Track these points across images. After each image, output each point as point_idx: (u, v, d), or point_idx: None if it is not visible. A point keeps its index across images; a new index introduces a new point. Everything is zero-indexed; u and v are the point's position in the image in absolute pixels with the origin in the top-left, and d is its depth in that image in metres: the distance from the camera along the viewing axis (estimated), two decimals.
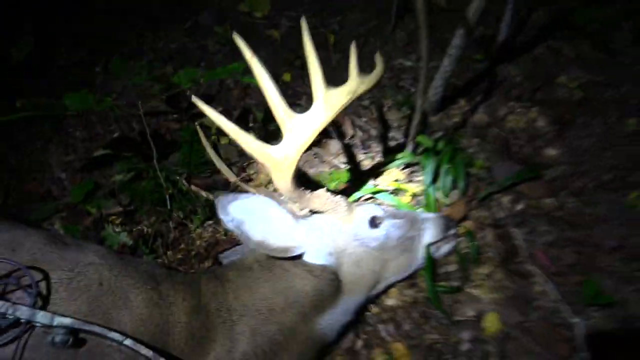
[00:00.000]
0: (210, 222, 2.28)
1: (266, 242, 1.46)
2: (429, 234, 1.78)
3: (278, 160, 1.37)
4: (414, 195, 2.22)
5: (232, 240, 2.11)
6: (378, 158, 2.48)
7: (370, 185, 2.26)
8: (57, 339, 1.12)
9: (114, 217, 2.29)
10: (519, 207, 2.12)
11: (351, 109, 2.74)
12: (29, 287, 1.19)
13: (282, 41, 3.31)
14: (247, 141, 1.36)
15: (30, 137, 2.86)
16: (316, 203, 1.57)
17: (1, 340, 1.12)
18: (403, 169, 2.32)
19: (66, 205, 2.38)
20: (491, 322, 1.77)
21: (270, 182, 2.24)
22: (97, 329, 1.16)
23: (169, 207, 2.25)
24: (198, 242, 2.19)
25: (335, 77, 2.75)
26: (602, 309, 1.74)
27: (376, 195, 2.20)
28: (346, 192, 2.19)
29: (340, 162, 2.53)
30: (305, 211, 1.59)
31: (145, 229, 2.21)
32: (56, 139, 2.86)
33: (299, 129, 1.33)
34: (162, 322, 1.35)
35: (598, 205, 2.08)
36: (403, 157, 2.29)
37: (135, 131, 2.71)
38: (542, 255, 1.93)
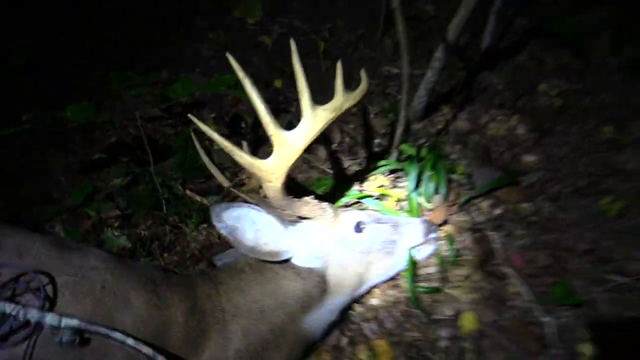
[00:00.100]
0: (205, 225, 2.35)
1: (257, 247, 1.56)
2: (411, 237, 1.87)
3: (268, 173, 1.46)
4: (398, 200, 2.28)
5: (225, 243, 2.16)
6: (364, 164, 2.55)
7: (356, 190, 2.33)
8: (65, 339, 1.20)
9: (112, 220, 2.36)
10: (497, 211, 2.19)
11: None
12: (37, 291, 1.26)
13: (274, 47, 3.37)
14: (240, 155, 1.44)
15: (31, 143, 2.88)
16: (304, 210, 1.66)
17: (13, 340, 1.19)
18: (388, 175, 2.38)
19: (66, 208, 2.45)
20: (468, 321, 1.84)
21: (261, 186, 2.33)
22: (101, 329, 1.24)
23: (164, 211, 2.32)
24: (193, 245, 2.26)
25: (324, 83, 2.85)
26: (571, 309, 1.81)
27: (362, 200, 2.27)
28: (333, 196, 2.28)
29: (328, 167, 2.60)
30: (294, 217, 1.67)
31: (142, 232, 2.29)
32: (56, 144, 2.88)
33: (288, 144, 1.42)
34: (160, 322, 1.42)
35: (572, 210, 2.15)
36: (388, 164, 2.36)
37: (131, 136, 2.76)
38: (517, 257, 2.01)
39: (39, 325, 1.22)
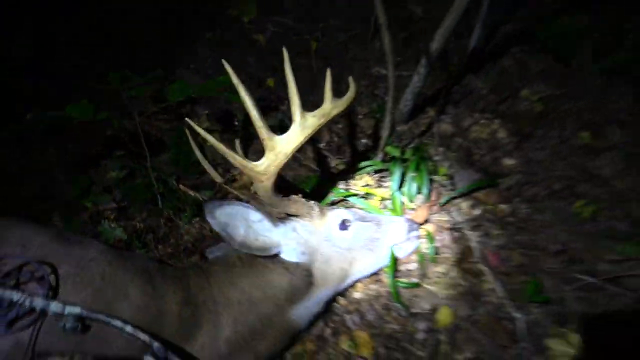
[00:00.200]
0: (197, 219, 2.41)
1: (247, 243, 1.65)
2: (394, 235, 1.96)
3: (260, 174, 1.57)
4: (383, 200, 2.35)
5: (217, 236, 2.19)
6: (351, 163, 2.62)
7: (343, 189, 2.40)
8: (68, 325, 1.28)
9: (109, 212, 2.43)
10: (476, 212, 2.27)
11: None
12: (40, 280, 1.34)
13: (268, 46, 3.41)
14: (233, 157, 1.54)
15: (31, 143, 2.86)
16: (292, 208, 1.76)
17: (19, 326, 1.27)
18: (373, 174, 2.45)
19: (64, 201, 2.50)
20: (444, 315, 1.92)
21: (252, 183, 2.41)
22: (101, 317, 1.33)
23: (160, 205, 2.39)
24: (186, 238, 2.34)
25: (315, 82, 2.92)
26: (541, 306, 1.89)
27: (348, 199, 2.35)
28: (320, 194, 2.35)
29: (317, 166, 2.67)
30: (283, 215, 1.75)
31: (138, 225, 2.36)
32: (55, 142, 2.87)
33: (278, 148, 1.52)
34: (156, 311, 1.51)
35: (547, 212, 2.22)
36: (373, 164, 2.44)
37: (127, 131, 2.76)
38: (493, 256, 2.08)
39: (43, 313, 1.29)
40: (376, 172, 2.48)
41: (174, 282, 1.64)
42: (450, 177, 2.43)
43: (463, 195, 2.33)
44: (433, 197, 2.33)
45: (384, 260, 1.97)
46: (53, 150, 2.83)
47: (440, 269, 2.09)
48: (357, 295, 2.08)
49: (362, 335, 1.95)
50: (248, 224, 1.67)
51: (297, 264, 1.75)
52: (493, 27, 3.07)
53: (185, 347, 1.56)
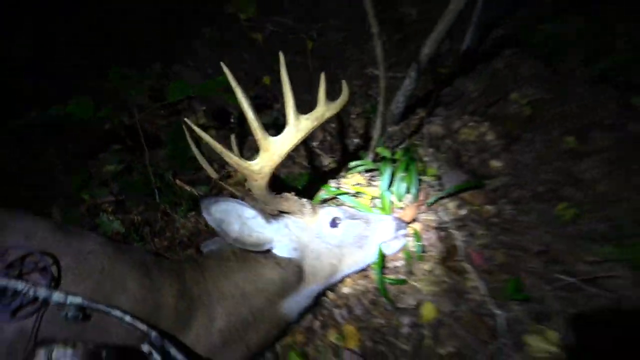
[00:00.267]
0: (193, 213, 2.46)
1: (241, 238, 1.71)
2: (382, 233, 2.02)
3: (254, 173, 1.62)
4: (373, 198, 2.40)
5: (212, 231, 2.23)
6: (343, 162, 2.66)
7: (334, 187, 2.46)
8: (70, 314, 1.33)
9: (106, 205, 2.47)
10: (462, 212, 2.31)
11: None
12: (43, 270, 1.39)
13: (265, 44, 3.45)
14: (230, 156, 1.58)
15: (31, 143, 2.88)
16: (285, 205, 1.82)
17: (22, 314, 1.32)
18: (364, 174, 2.50)
19: (63, 193, 2.55)
20: (428, 311, 1.97)
21: (246, 179, 2.46)
22: (102, 307, 1.38)
23: (157, 199, 2.44)
24: (182, 232, 2.39)
25: (311, 82, 2.97)
26: (521, 304, 1.94)
27: (339, 197, 2.41)
28: (312, 192, 2.40)
29: (310, 164, 2.72)
30: (276, 212, 1.81)
31: (135, 218, 2.41)
32: (55, 140, 2.90)
33: (272, 149, 1.57)
34: (153, 304, 1.56)
35: (531, 213, 2.27)
36: (364, 164, 2.49)
37: (124, 125, 2.78)
38: (477, 255, 2.13)
39: (46, 302, 1.34)
40: (367, 171, 2.52)
41: (170, 275, 1.69)
42: (439, 178, 2.47)
43: (450, 195, 2.37)
44: (421, 197, 2.37)
45: (372, 257, 2.03)
46: (53, 150, 2.85)
47: (426, 266, 2.14)
48: (345, 290, 2.14)
49: (350, 329, 2.00)
50: (242, 221, 1.73)
51: (288, 260, 1.80)
52: (486, 30, 3.11)
53: (180, 337, 1.61)
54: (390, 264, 2.17)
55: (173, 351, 1.44)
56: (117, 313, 1.40)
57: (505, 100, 2.86)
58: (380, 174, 2.43)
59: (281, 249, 1.80)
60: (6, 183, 2.68)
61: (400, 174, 2.38)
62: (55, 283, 1.41)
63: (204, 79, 3.22)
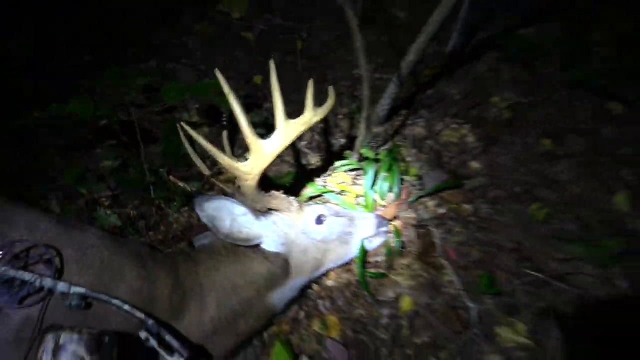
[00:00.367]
0: (186, 208, 2.53)
1: (232, 234, 1.80)
2: (364, 230, 2.11)
3: (245, 174, 1.71)
4: (357, 196, 2.49)
5: (204, 225, 2.22)
6: (329, 162, 2.72)
7: (320, 185, 2.54)
8: (73, 303, 1.42)
9: (103, 199, 2.54)
10: (441, 210, 2.42)
11: None
12: (47, 262, 1.46)
13: (256, 43, 3.50)
14: (222, 157, 1.67)
15: (31, 143, 2.90)
16: (273, 203, 1.90)
17: (28, 302, 1.40)
18: (349, 173, 2.59)
19: (60, 188, 2.62)
20: (406, 303, 2.08)
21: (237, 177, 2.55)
22: (102, 296, 1.46)
23: (151, 194, 2.51)
24: (175, 226, 2.46)
25: (300, 81, 3.05)
26: (493, 297, 2.06)
27: (325, 194, 2.48)
28: (299, 190, 2.48)
29: (297, 162, 2.79)
30: (264, 209, 1.89)
31: (131, 212, 2.48)
32: (54, 138, 2.92)
33: (262, 151, 1.67)
34: (148, 294, 1.64)
35: (506, 213, 2.38)
36: (349, 163, 2.57)
37: (121, 122, 2.83)
38: (453, 251, 2.24)
39: (51, 291, 1.42)
40: (352, 170, 2.60)
41: (164, 268, 1.76)
42: (420, 178, 2.56)
43: (430, 194, 2.47)
44: (403, 196, 2.46)
45: (354, 252, 2.11)
46: (53, 149, 2.88)
47: (405, 261, 2.23)
48: (329, 282, 2.23)
49: (332, 319, 2.10)
50: (233, 217, 1.82)
51: (276, 254, 1.89)
52: (471, 33, 3.18)
53: (174, 325, 1.70)
54: (371, 259, 2.26)
55: (168, 337, 1.52)
56: (117, 302, 1.48)
57: (486, 104, 2.96)
58: (365, 173, 2.50)
59: (269, 244, 1.88)
60: (6, 183, 2.71)
61: (383, 174, 2.46)
62: (58, 274, 1.48)
63: (197, 77, 3.28)
